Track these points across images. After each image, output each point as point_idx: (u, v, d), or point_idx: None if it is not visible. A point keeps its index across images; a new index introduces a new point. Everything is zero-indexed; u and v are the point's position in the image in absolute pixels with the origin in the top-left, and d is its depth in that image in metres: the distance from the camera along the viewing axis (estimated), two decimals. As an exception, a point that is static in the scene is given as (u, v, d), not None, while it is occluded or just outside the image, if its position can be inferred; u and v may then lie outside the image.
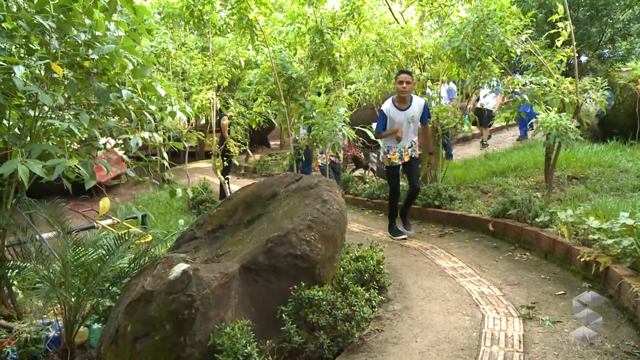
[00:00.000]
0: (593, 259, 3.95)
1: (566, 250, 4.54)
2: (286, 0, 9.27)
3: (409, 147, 6.15)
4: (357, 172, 10.25)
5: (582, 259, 4.07)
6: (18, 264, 3.69)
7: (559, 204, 5.86)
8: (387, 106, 6.06)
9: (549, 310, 3.73)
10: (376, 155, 8.55)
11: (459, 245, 5.65)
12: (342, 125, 5.69)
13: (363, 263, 4.06)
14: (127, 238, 3.60)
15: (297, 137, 7.89)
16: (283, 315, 3.11)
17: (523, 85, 5.99)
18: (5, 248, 3.58)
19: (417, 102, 6.04)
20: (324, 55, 6.90)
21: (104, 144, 3.66)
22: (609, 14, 10.20)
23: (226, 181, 9.18)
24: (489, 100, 11.01)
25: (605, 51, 10.80)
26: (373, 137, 5.86)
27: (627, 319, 3.41)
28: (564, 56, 6.02)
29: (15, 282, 3.80)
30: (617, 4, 10.10)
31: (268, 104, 8.00)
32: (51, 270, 3.45)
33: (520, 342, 3.26)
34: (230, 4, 6.76)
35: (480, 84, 6.99)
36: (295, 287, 3.21)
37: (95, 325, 3.55)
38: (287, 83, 7.04)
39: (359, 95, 8.74)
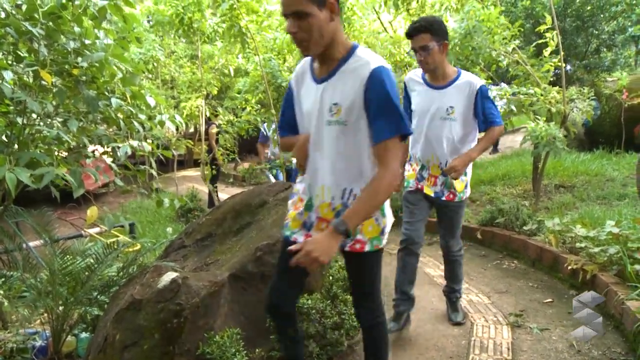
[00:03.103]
0: (580, 267, 3.98)
1: (554, 259, 4.58)
2: (276, 9, 9.32)
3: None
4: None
5: (570, 267, 4.11)
6: (4, 272, 3.65)
7: (547, 212, 5.91)
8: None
9: (537, 317, 3.75)
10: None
11: (448, 254, 5.65)
12: None
13: (352, 271, 4.06)
14: (115, 247, 3.58)
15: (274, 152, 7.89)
16: (272, 323, 3.10)
17: (511, 95, 6.06)
18: (-8, 257, 3.55)
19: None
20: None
21: (92, 152, 3.64)
22: (595, 25, 10.37)
23: (215, 189, 9.15)
24: None
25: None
26: None
27: (613, 326, 3.44)
28: (551, 66, 6.09)
29: (1, 291, 3.76)
30: (602, 16, 10.26)
31: (258, 112, 8.02)
32: (38, 279, 3.42)
33: (508, 349, 3.27)
34: (221, 11, 6.79)
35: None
36: (284, 295, 3.20)
37: (83, 335, 3.52)
38: (277, 91, 7.07)
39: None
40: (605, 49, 11.00)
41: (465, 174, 3.48)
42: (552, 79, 6.31)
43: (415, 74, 3.48)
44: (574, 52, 10.64)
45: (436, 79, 3.34)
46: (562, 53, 5.99)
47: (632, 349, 3.13)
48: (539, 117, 5.69)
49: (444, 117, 3.31)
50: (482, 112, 3.29)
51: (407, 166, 3.66)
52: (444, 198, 3.47)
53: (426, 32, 3.10)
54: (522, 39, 7.49)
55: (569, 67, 10.87)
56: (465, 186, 3.51)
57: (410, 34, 3.17)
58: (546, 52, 6.03)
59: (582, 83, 10.42)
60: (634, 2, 10.06)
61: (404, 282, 3.52)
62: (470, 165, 3.48)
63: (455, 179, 3.32)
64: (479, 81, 3.28)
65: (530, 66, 6.17)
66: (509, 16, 9.41)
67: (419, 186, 3.52)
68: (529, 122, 5.72)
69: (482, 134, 3.44)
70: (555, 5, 8.38)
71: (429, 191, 3.49)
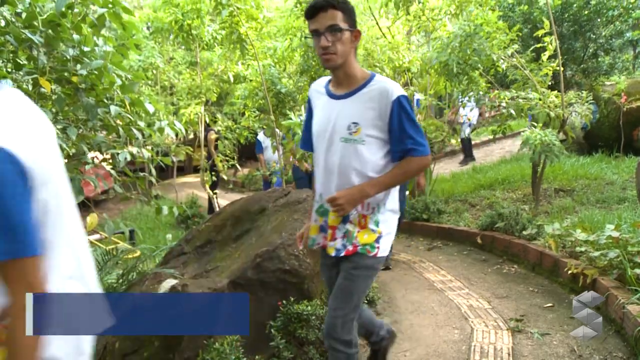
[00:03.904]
0: (580, 271, 3.98)
1: (554, 263, 4.57)
2: (275, 15, 9.35)
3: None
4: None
5: (570, 271, 4.10)
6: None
7: (546, 216, 5.91)
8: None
9: (538, 322, 3.74)
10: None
11: (448, 259, 5.66)
12: None
13: (352, 277, 4.06)
14: (115, 253, 3.58)
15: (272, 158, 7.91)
16: (272, 330, 3.10)
17: (510, 99, 6.07)
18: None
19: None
20: (315, 70, 6.95)
21: (92, 159, 3.64)
22: (592, 29, 10.40)
23: (215, 196, 9.15)
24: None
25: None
26: None
27: (614, 330, 3.44)
28: (549, 70, 6.10)
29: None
30: (599, 20, 10.29)
31: (257, 118, 8.04)
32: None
33: (509, 355, 3.27)
34: (221, 18, 6.81)
35: (467, 98, 7.06)
36: (284, 301, 3.20)
37: (82, 342, 3.51)
38: (276, 98, 7.08)
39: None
40: (603, 53, 11.03)
41: (377, 224, 2.38)
42: (550, 83, 6.32)
43: (318, 84, 2.54)
44: (572, 57, 10.67)
45: (339, 85, 2.38)
46: (560, 57, 6.01)
47: (633, 353, 3.12)
48: (535, 124, 5.69)
49: (346, 138, 2.29)
50: (397, 134, 2.28)
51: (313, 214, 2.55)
52: (343, 254, 2.37)
53: (336, 8, 2.21)
54: (520, 44, 7.52)
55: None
56: (377, 240, 2.37)
57: (315, 10, 2.22)
58: (544, 57, 6.05)
59: (581, 87, 10.44)
60: (630, 6, 10.10)
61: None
62: (390, 217, 2.47)
63: (340, 216, 2.34)
64: (397, 89, 2.27)
65: (529, 70, 6.18)
66: (507, 21, 9.44)
67: (323, 243, 2.47)
68: (525, 127, 5.73)
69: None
70: (552, 9, 8.42)
71: (330, 249, 2.40)
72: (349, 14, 2.26)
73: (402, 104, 2.26)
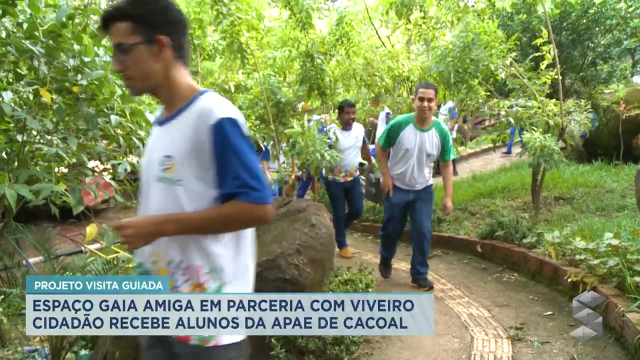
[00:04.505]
0: (580, 279, 3.97)
1: (553, 271, 4.57)
2: (274, 25, 9.40)
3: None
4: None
5: (570, 280, 4.10)
6: (4, 289, 3.64)
7: (546, 224, 5.90)
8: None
9: (538, 330, 3.74)
10: (364, 178, 8.55)
11: (448, 267, 5.66)
12: (326, 150, 5.66)
13: (352, 286, 4.06)
14: (115, 263, 3.59)
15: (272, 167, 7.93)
16: (272, 339, 3.09)
17: (509, 108, 6.08)
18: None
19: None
20: (314, 79, 6.98)
21: (92, 169, 3.66)
22: (590, 38, 10.46)
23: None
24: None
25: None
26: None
27: (614, 338, 3.43)
28: (548, 78, 6.13)
29: (0, 309, 3.75)
30: (597, 29, 10.35)
31: (257, 127, 8.06)
32: (37, 296, 3.41)
33: (509, 363, 3.26)
34: (222, 28, 6.84)
35: (467, 106, 7.08)
36: (284, 310, 3.19)
37: (83, 352, 3.51)
38: (277, 107, 7.10)
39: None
40: (601, 62, 11.08)
41: (221, 284, 1.72)
42: (549, 92, 6.35)
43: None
44: (571, 65, 10.71)
45: (166, 107, 1.82)
46: (558, 66, 6.03)
47: (633, 361, 3.12)
48: (535, 129, 5.71)
49: (159, 176, 1.71)
50: (218, 172, 1.66)
51: None
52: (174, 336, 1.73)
53: (124, 18, 1.68)
54: (519, 52, 7.55)
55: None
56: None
57: (103, 26, 1.74)
58: (543, 65, 6.08)
59: (579, 95, 10.47)
60: (629, 15, 10.16)
61: None
62: (239, 285, 1.76)
63: (129, 251, 1.75)
64: (222, 110, 1.66)
65: (527, 79, 6.20)
66: (505, 29, 9.49)
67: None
68: (525, 133, 5.74)
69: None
70: (551, 18, 8.47)
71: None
72: (145, 20, 1.68)
73: (225, 129, 1.63)
